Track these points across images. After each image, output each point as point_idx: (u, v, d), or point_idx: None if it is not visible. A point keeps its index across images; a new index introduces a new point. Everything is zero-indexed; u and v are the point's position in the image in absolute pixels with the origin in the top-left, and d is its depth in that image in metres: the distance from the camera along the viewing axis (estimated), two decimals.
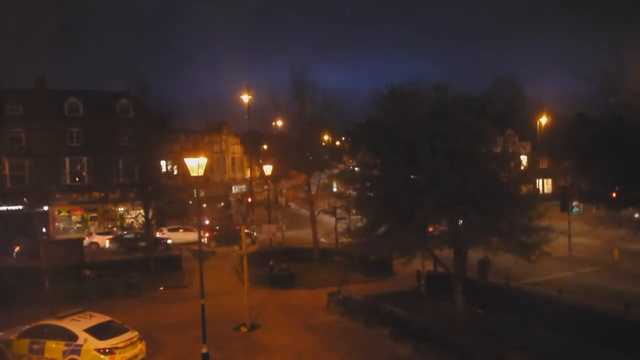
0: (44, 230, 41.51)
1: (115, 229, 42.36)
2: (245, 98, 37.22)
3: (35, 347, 14.51)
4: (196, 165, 15.52)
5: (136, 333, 14.97)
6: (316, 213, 32.98)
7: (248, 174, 56.36)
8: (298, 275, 26.00)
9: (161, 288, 25.64)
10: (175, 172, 31.96)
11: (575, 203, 33.33)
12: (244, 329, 18.35)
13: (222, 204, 57.42)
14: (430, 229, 18.18)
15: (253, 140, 49.29)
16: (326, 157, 33.16)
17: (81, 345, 13.99)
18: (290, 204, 62.58)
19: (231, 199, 61.61)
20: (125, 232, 39.25)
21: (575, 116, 40.36)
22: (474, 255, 19.10)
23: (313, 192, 32.70)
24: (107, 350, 13.92)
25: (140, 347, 14.89)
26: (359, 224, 19.43)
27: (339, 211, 35.49)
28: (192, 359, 15.22)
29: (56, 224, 43.70)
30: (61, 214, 44.29)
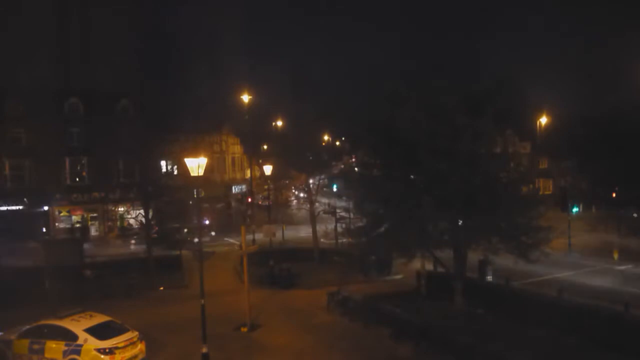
0: (44, 230, 41.51)
1: None
2: (245, 98, 37.24)
3: (36, 347, 14.52)
4: (196, 165, 15.52)
5: (136, 333, 14.97)
6: (316, 213, 32.98)
7: (248, 174, 56.30)
8: (298, 275, 25.99)
9: (161, 288, 25.65)
10: (176, 172, 31.94)
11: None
12: (244, 329, 18.36)
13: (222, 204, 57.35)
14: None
15: (253, 140, 49.24)
16: (326, 157, 33.14)
17: (81, 345, 14.00)
18: (290, 197, 61.88)
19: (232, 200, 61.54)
20: None
21: (575, 116, 40.48)
22: (474, 255, 19.10)
23: (313, 192, 32.66)
24: (107, 350, 13.92)
25: (140, 347, 14.89)
26: (359, 224, 19.43)
27: (338, 211, 35.52)
28: (192, 359, 15.22)
29: (56, 224, 43.70)
30: (61, 214, 44.29)
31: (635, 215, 34.09)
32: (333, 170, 33.49)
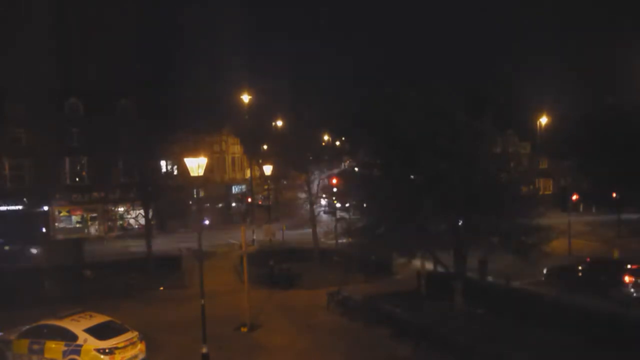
0: (43, 230, 41.48)
1: None
2: (246, 98, 37.24)
3: (35, 347, 14.51)
4: (196, 165, 15.52)
5: (136, 333, 14.97)
6: (316, 213, 32.96)
7: (248, 174, 56.30)
8: (298, 275, 25.99)
9: (161, 288, 25.64)
10: (176, 172, 31.95)
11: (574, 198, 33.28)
12: (244, 329, 18.35)
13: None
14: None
15: (253, 140, 49.24)
16: (326, 157, 33.14)
17: (81, 346, 14.00)
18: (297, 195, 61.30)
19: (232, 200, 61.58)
20: None
21: (575, 116, 40.49)
22: (474, 255, 19.08)
23: (313, 192, 32.66)
24: (107, 350, 13.92)
25: (140, 347, 14.89)
26: (359, 224, 19.42)
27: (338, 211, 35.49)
28: (192, 359, 15.21)
29: (56, 224, 43.68)
30: (61, 214, 44.28)
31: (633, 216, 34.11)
32: (333, 171, 33.52)
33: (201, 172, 15.66)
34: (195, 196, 32.44)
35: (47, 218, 42.59)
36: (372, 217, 18.40)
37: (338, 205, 32.87)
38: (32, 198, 40.77)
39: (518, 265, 17.79)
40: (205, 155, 15.92)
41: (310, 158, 31.39)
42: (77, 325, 14.51)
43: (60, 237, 41.38)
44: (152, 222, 30.81)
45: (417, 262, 21.29)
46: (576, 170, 39.76)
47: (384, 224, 17.85)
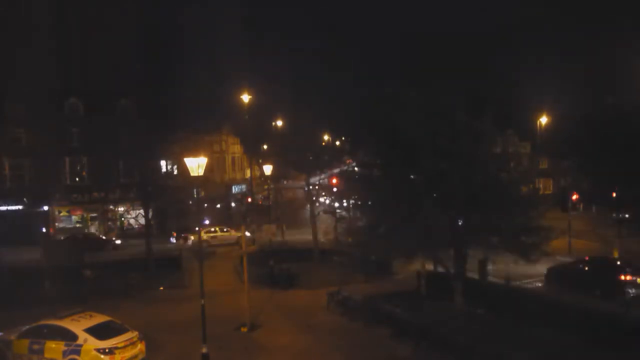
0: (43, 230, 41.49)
1: None
2: (245, 98, 37.25)
3: (35, 347, 14.51)
4: (196, 165, 15.52)
5: (136, 333, 14.97)
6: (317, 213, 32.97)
7: (248, 174, 56.30)
8: (298, 275, 25.99)
9: (161, 288, 25.65)
10: (175, 172, 31.98)
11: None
12: (244, 329, 18.35)
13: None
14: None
15: (253, 140, 49.26)
16: (326, 157, 33.18)
17: (81, 345, 14.00)
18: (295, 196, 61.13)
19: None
20: None
21: (575, 116, 40.45)
22: (474, 255, 19.07)
23: (313, 192, 32.70)
24: (107, 350, 13.92)
25: (140, 347, 14.89)
26: (359, 224, 19.42)
27: (338, 211, 35.55)
28: (192, 359, 15.22)
29: (56, 224, 43.70)
30: (61, 214, 44.31)
31: (627, 215, 34.08)
32: (333, 170, 33.58)
33: (201, 172, 15.66)
34: (195, 196, 32.46)
35: (47, 218, 42.61)
36: (372, 217, 18.39)
37: (338, 205, 32.95)
38: (32, 198, 40.80)
39: (518, 265, 17.77)
40: (205, 155, 15.92)
41: (310, 158, 31.41)
42: (77, 325, 14.51)
43: (60, 237, 41.38)
44: (151, 222, 30.82)
45: (417, 262, 21.24)
46: (576, 170, 39.70)
47: (384, 224, 17.85)
